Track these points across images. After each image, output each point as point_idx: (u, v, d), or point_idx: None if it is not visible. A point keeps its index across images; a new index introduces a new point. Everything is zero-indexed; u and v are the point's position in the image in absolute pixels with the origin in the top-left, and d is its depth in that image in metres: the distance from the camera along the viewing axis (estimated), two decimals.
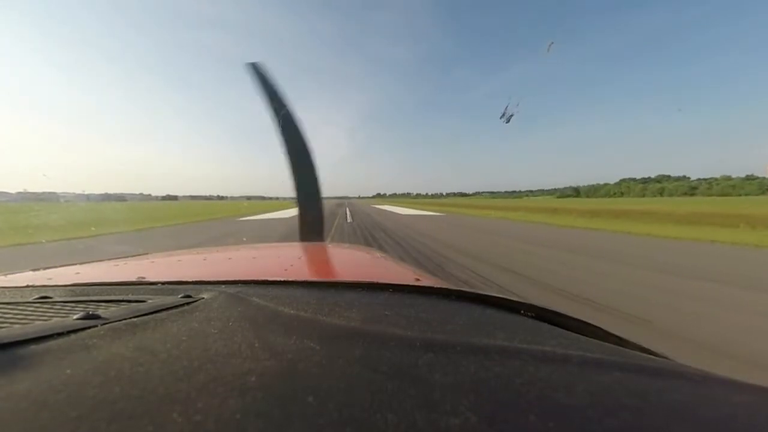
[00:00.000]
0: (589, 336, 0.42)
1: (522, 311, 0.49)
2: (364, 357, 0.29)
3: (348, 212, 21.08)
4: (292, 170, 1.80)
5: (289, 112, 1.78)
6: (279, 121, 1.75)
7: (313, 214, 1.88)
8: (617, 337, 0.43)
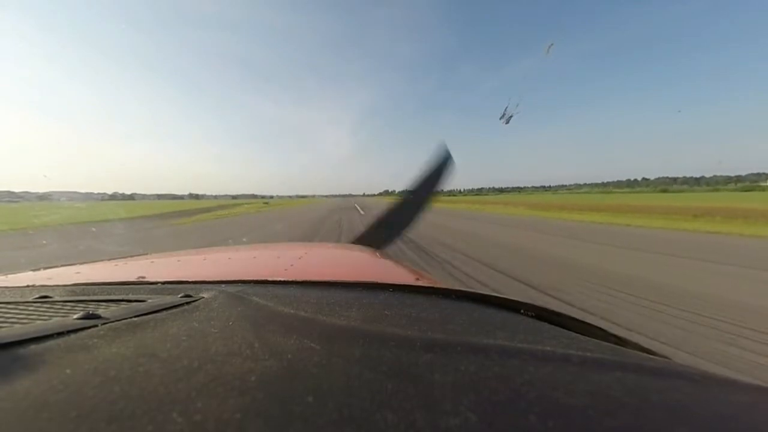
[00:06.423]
0: (589, 336, 0.42)
1: (522, 311, 0.49)
2: (364, 357, 0.29)
3: None
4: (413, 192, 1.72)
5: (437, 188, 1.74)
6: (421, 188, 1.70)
7: (397, 227, 1.81)
8: (617, 337, 0.43)
